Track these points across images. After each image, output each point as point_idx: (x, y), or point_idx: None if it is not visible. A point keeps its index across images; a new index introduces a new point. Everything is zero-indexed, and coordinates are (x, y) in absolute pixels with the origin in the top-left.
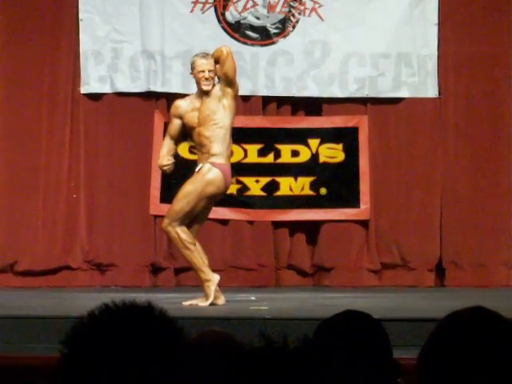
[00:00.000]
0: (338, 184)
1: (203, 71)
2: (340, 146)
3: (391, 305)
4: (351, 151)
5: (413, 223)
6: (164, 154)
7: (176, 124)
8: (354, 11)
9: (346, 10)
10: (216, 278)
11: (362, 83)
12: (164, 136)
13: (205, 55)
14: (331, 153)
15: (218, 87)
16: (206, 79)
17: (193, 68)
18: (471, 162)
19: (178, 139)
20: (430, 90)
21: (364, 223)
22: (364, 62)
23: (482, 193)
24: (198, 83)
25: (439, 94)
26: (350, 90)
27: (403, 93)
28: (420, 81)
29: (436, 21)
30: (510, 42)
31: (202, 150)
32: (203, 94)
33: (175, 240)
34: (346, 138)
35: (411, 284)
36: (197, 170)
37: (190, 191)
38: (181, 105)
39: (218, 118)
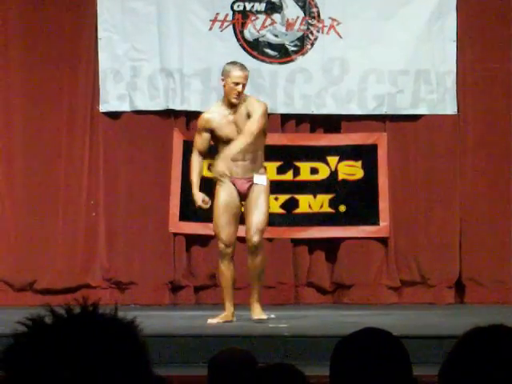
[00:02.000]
0: (357, 201)
1: (238, 84)
2: (359, 164)
3: (411, 322)
4: (370, 168)
5: (432, 240)
6: (197, 192)
7: (205, 138)
8: (373, 28)
9: (364, 27)
10: None
11: (381, 100)
12: (184, 154)
13: (242, 67)
14: (350, 170)
15: (248, 104)
16: (239, 93)
17: (226, 76)
18: (490, 180)
19: (206, 153)
20: (449, 107)
21: (383, 240)
22: (382, 79)
23: (500, 210)
24: (228, 94)
25: (458, 111)
26: (369, 108)
27: (422, 110)
28: (439, 98)
29: (454, 37)
30: None
31: (252, 161)
32: (232, 105)
33: (264, 256)
34: (365, 155)
35: (431, 301)
36: (258, 181)
37: (268, 203)
38: (213, 118)
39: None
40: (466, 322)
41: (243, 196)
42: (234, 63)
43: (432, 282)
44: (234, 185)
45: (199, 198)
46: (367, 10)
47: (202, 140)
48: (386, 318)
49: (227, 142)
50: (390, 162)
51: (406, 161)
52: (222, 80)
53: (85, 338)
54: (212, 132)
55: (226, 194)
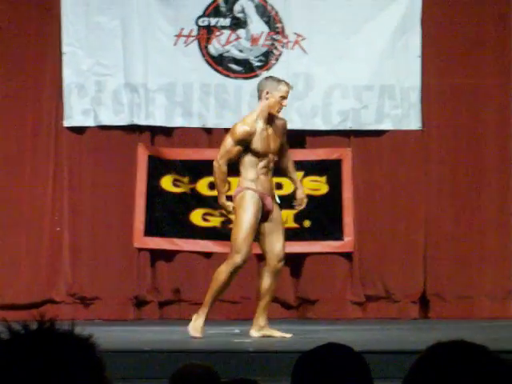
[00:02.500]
0: (321, 216)
1: (285, 98)
2: (324, 179)
3: (375, 337)
4: (335, 183)
5: (397, 255)
6: (226, 201)
7: (239, 149)
8: (337, 44)
9: (329, 42)
10: None
11: (346, 115)
12: (148, 168)
13: (287, 83)
14: (315, 185)
15: (278, 120)
16: (283, 107)
17: (273, 90)
18: (455, 194)
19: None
20: (413, 122)
21: (348, 255)
22: (347, 95)
23: (465, 224)
24: (273, 107)
25: (422, 126)
26: (334, 123)
27: (386, 125)
28: (403, 113)
29: (419, 53)
30: (491, 74)
31: (270, 177)
32: (269, 119)
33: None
34: (330, 170)
35: (395, 316)
36: (278, 200)
37: None
38: (254, 131)
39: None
40: (430, 337)
41: (266, 214)
42: (277, 78)
43: (396, 297)
44: (263, 200)
45: (231, 206)
46: (332, 26)
47: (234, 151)
48: (350, 333)
49: (260, 155)
50: (354, 177)
51: (371, 176)
52: (267, 93)
53: (41, 354)
54: (247, 144)
55: (256, 209)
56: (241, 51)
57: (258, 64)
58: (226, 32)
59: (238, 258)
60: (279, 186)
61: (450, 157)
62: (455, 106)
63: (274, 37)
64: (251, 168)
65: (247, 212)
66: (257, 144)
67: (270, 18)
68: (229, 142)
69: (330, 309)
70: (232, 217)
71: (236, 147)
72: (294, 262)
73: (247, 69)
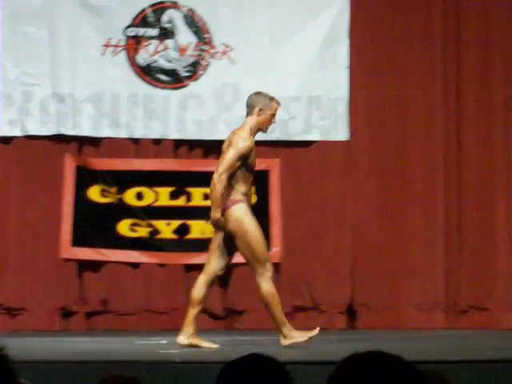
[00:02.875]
0: None
1: (275, 115)
2: (252, 189)
3: (300, 348)
4: (262, 194)
5: (324, 266)
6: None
7: (238, 165)
8: (265, 55)
9: (257, 53)
10: None
11: (273, 126)
12: (76, 179)
13: (279, 102)
14: None
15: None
16: (272, 124)
17: (266, 107)
18: (382, 205)
19: None
20: (341, 133)
21: (276, 266)
22: None
23: (392, 235)
24: (264, 123)
25: (350, 137)
26: (261, 134)
27: (314, 136)
28: (331, 124)
29: (347, 64)
30: (418, 85)
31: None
32: (255, 133)
33: None
34: (258, 180)
35: (322, 326)
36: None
37: None
38: (252, 146)
39: None
40: (356, 348)
41: None
42: (268, 95)
43: (324, 308)
44: None
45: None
46: (260, 37)
47: (236, 166)
48: (277, 343)
49: (252, 170)
50: (282, 187)
51: (299, 186)
52: (260, 110)
53: None
54: (246, 159)
55: (254, 219)
56: (169, 61)
57: (186, 74)
58: (154, 42)
59: (270, 267)
60: (207, 197)
61: (378, 167)
62: (382, 116)
63: (202, 47)
64: (244, 183)
65: (251, 224)
66: (252, 159)
67: (198, 28)
68: (232, 157)
69: (258, 319)
70: (219, 231)
71: (238, 162)
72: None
73: (175, 79)
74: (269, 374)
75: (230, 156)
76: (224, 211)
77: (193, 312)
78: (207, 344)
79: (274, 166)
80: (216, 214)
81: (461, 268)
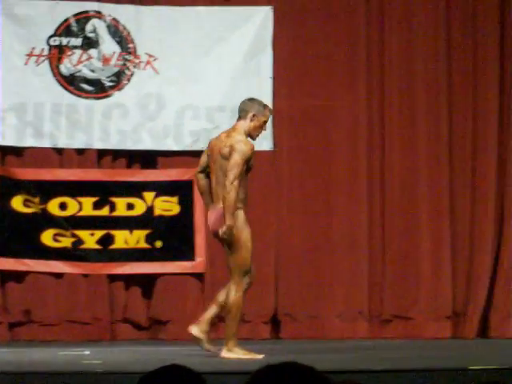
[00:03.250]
0: (173, 237)
1: (266, 124)
2: (175, 199)
3: (220, 358)
4: (186, 204)
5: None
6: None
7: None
8: (189, 64)
9: (181, 63)
10: None
11: (197, 136)
12: (0, 189)
13: (271, 110)
14: (166, 206)
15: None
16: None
17: (259, 114)
18: (305, 214)
19: None
20: (265, 143)
21: (199, 276)
22: (199, 115)
23: (316, 245)
24: (256, 130)
25: (274, 147)
26: (185, 143)
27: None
28: None
29: (270, 74)
30: (341, 95)
31: None
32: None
33: None
34: (182, 190)
35: (247, 336)
36: None
37: None
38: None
39: None
40: (280, 358)
41: None
42: (262, 102)
43: (248, 318)
44: None
45: None
46: (184, 47)
47: (243, 170)
48: (200, 353)
49: (248, 173)
50: None
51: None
52: (253, 116)
53: None
54: (247, 163)
55: (249, 229)
56: (92, 71)
57: (110, 84)
58: (78, 52)
59: (247, 279)
60: (131, 207)
61: (301, 177)
62: (306, 126)
63: (126, 57)
64: (243, 187)
65: (244, 232)
66: (250, 162)
67: (122, 38)
68: (240, 161)
69: (182, 330)
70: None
71: (244, 166)
72: (145, 283)
73: (99, 89)
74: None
75: (237, 161)
76: (223, 217)
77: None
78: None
79: None
80: (231, 221)
81: (384, 278)
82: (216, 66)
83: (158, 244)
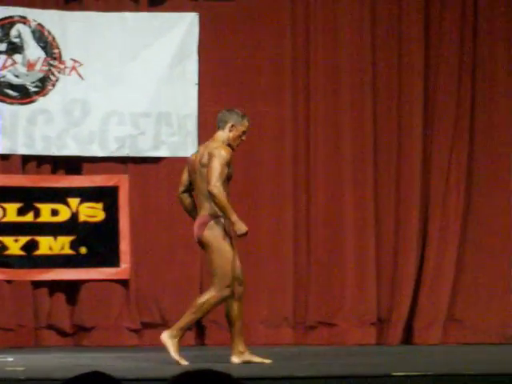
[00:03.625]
0: (98, 243)
1: (245, 134)
2: (100, 205)
3: (150, 364)
4: (111, 210)
5: (173, 282)
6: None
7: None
8: (115, 70)
9: (106, 69)
10: None
11: (122, 142)
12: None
13: (249, 120)
14: (91, 212)
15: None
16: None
17: (238, 124)
18: None
19: None
20: (190, 149)
21: (124, 282)
22: (124, 121)
23: (241, 251)
24: (235, 140)
25: None
26: (111, 149)
27: (163, 152)
28: (180, 140)
29: (196, 80)
30: (267, 102)
31: None
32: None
33: None
34: (107, 197)
35: None
36: None
37: None
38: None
39: None
40: (202, 365)
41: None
42: (240, 112)
43: (172, 324)
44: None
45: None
46: (109, 52)
47: (225, 174)
48: (124, 360)
49: (230, 180)
50: (131, 203)
51: (148, 202)
52: (232, 126)
53: None
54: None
55: (229, 236)
56: (17, 76)
57: (35, 89)
58: (2, 57)
59: (227, 292)
60: (55, 213)
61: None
62: None
63: (51, 62)
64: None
65: (225, 242)
66: (230, 170)
67: (47, 43)
68: (219, 165)
69: (106, 336)
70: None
71: (226, 169)
72: (69, 289)
73: (23, 94)
74: None
75: (216, 165)
76: (204, 223)
77: (235, 329)
78: (259, 359)
79: (123, 182)
80: (234, 217)
81: (309, 284)
82: (142, 71)
83: (83, 250)
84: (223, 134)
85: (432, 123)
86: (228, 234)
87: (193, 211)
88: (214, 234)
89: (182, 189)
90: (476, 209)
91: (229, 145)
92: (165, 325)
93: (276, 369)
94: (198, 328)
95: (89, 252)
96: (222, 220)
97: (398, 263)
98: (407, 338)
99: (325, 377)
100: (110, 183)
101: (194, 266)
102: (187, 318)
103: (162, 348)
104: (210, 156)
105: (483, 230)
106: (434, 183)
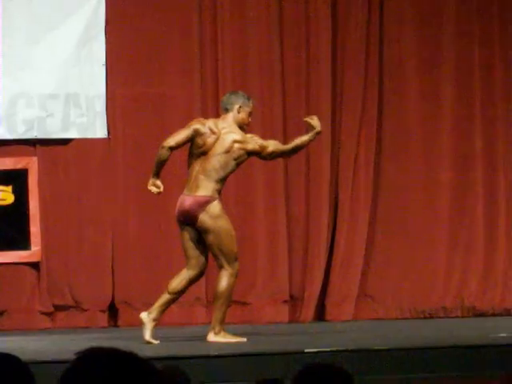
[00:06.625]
0: (7, 226)
1: (251, 115)
2: (9, 188)
3: (63, 347)
4: (21, 193)
5: (84, 264)
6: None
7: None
8: (20, 53)
9: (12, 50)
10: None
11: (31, 124)
12: None
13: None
14: (0, 195)
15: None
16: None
17: (245, 105)
18: (141, 202)
19: None
20: (99, 131)
21: (35, 265)
22: (32, 104)
23: (153, 233)
24: (243, 121)
25: (108, 135)
26: (19, 132)
27: (72, 133)
28: (89, 121)
29: (103, 61)
30: (176, 84)
31: None
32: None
33: None
34: (16, 180)
35: (84, 325)
36: None
37: None
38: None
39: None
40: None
41: None
42: (245, 94)
43: (85, 306)
44: None
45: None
46: (14, 34)
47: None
48: (38, 343)
49: (238, 165)
50: (40, 186)
51: (58, 184)
52: (240, 108)
53: None
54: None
55: (226, 214)
56: None
57: None
58: None
59: (237, 265)
60: None
61: (136, 165)
62: (140, 114)
63: None
64: (225, 177)
65: (224, 221)
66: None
67: None
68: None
69: (18, 319)
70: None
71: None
72: None
73: None
74: (10, 373)
75: (255, 143)
76: (205, 204)
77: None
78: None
79: (31, 165)
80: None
81: None
82: (48, 53)
83: None
84: (233, 116)
85: (340, 104)
86: (224, 212)
87: (162, 167)
88: (218, 215)
89: (172, 145)
90: (385, 187)
91: (240, 126)
92: (77, 307)
93: (187, 348)
94: (111, 310)
95: None
96: (219, 201)
97: (310, 241)
98: (320, 314)
99: (235, 355)
100: (19, 166)
101: (104, 247)
102: (220, 312)
103: (76, 330)
104: (243, 143)
105: (393, 208)
106: (343, 160)
